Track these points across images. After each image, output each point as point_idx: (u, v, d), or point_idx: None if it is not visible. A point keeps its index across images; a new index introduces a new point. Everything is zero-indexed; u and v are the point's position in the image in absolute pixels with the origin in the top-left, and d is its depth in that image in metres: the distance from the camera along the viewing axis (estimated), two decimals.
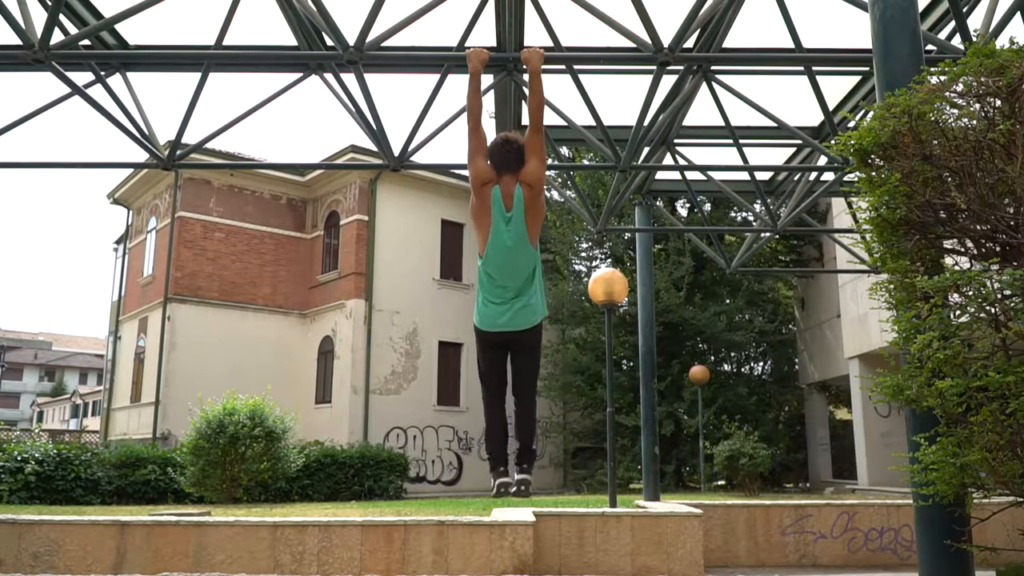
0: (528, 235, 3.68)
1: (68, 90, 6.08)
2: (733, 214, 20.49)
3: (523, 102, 7.02)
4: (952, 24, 6.00)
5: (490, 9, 5.95)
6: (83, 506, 12.02)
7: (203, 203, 20.00)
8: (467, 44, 5.97)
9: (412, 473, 18.67)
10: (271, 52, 6.41)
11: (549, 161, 8.18)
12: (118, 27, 6.09)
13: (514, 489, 3.69)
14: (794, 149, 9.18)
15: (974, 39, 4.23)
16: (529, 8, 5.92)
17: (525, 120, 6.81)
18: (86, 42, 5.99)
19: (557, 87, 6.78)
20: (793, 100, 7.44)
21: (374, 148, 7.05)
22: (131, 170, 20.66)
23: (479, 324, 3.74)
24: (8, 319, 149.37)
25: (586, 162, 17.78)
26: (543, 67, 3.89)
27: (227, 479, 12.29)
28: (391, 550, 6.90)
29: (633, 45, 5.61)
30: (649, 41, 5.49)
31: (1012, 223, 3.13)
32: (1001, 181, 3.14)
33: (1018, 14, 5.81)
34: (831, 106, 7.34)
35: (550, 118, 6.85)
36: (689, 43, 6.23)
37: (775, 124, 7.05)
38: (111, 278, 25.01)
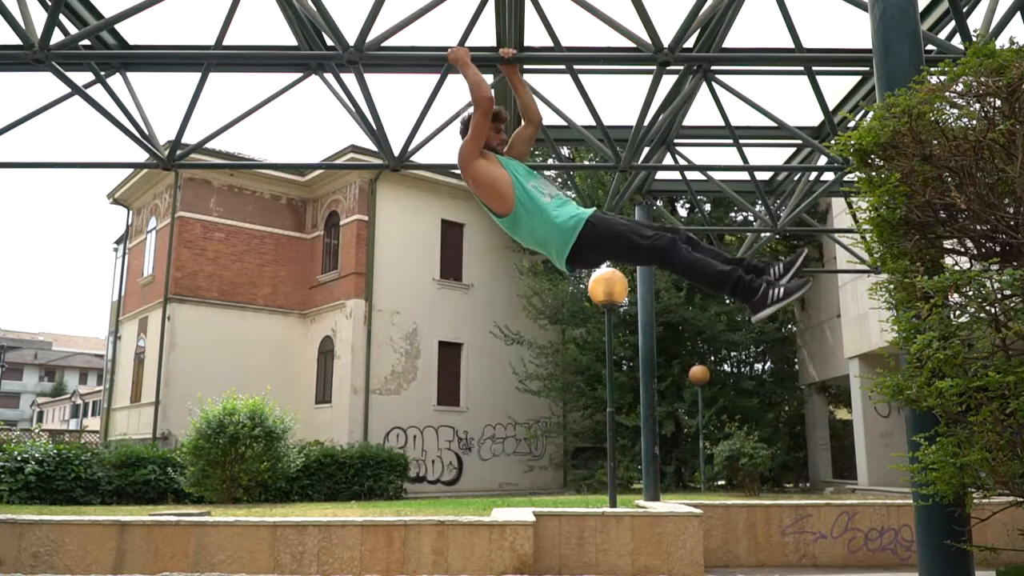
0: (490, 211, 3.69)
1: (68, 90, 6.07)
2: (733, 214, 20.48)
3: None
4: (952, 24, 6.00)
5: (490, 9, 5.95)
6: (83, 506, 12.02)
7: (203, 203, 20.00)
8: (467, 44, 5.97)
9: (412, 473, 18.67)
10: (271, 52, 6.41)
11: (550, 161, 8.19)
12: (118, 27, 6.08)
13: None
14: (794, 149, 9.18)
15: (974, 39, 4.23)
16: (529, 8, 5.91)
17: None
18: (86, 42, 5.98)
19: (557, 87, 6.77)
20: (793, 100, 7.44)
21: (374, 148, 7.05)
22: (131, 170, 20.67)
23: None
24: (8, 319, 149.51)
25: (586, 162, 17.78)
26: (543, 67, 3.93)
27: (227, 479, 12.30)
28: (391, 550, 6.90)
29: (633, 45, 5.61)
30: (649, 41, 5.49)
31: (1012, 223, 3.13)
32: (1001, 181, 3.14)
33: (1018, 14, 5.81)
34: (831, 106, 7.34)
35: (550, 118, 6.87)
36: (689, 43, 6.23)
37: (775, 124, 7.05)
38: (111, 278, 25.05)
